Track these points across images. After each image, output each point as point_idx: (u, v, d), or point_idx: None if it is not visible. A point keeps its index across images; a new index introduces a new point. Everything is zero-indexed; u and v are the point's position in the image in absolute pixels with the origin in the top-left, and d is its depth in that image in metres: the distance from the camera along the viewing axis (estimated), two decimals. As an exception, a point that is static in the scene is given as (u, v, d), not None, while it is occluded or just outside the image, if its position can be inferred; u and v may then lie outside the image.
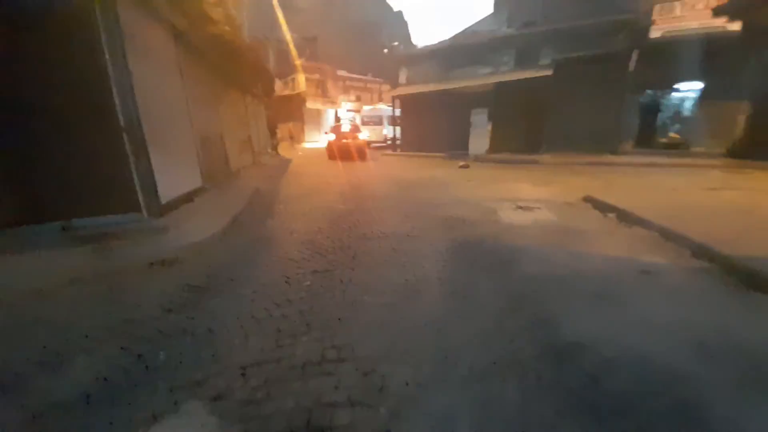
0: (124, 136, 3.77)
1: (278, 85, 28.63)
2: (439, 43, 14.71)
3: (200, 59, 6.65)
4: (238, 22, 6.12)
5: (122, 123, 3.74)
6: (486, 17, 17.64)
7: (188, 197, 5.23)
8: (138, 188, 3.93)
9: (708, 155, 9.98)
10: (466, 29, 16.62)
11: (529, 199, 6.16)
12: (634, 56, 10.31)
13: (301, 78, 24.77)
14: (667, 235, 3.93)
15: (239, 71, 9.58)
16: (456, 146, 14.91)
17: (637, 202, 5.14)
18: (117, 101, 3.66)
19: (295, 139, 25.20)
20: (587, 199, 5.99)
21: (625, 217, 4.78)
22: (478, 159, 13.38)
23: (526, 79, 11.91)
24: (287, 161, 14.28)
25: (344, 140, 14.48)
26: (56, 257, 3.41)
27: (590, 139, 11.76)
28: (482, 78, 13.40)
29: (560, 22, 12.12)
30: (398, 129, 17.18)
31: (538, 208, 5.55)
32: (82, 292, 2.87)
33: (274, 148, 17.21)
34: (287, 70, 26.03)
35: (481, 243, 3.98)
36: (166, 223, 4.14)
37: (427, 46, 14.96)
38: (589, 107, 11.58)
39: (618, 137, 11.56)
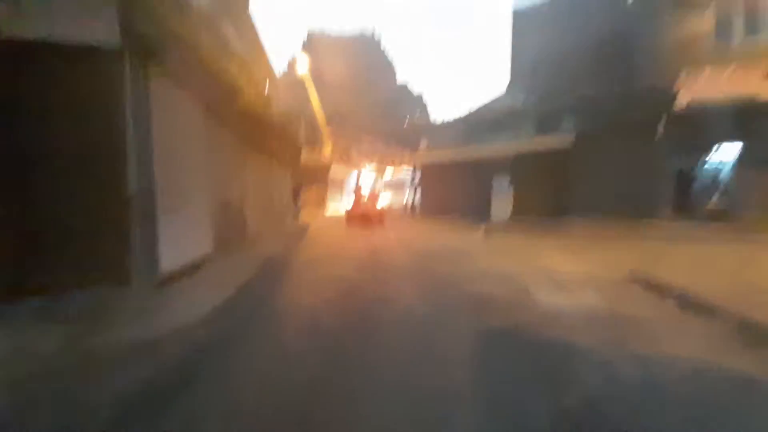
0: (132, 203, 3.64)
1: (305, 152, 30.67)
2: (458, 117, 15.47)
3: (228, 127, 6.97)
4: (266, 95, 6.51)
5: (132, 190, 3.64)
6: (501, 95, 18.59)
7: (195, 266, 4.96)
8: (136, 260, 3.67)
9: (754, 225, 9.05)
10: (483, 105, 17.50)
11: (565, 275, 5.47)
12: (663, 122, 10.14)
13: (327, 146, 26.38)
14: (753, 329, 3.14)
15: (266, 139, 10.10)
16: (477, 211, 14.59)
17: (695, 282, 4.37)
18: (131, 167, 3.61)
19: (317, 203, 25.98)
20: (635, 277, 5.24)
21: (688, 302, 3.99)
22: (501, 224, 12.89)
23: (547, 146, 11.88)
24: (307, 226, 14.32)
25: (363, 206, 14.62)
26: (12, 340, 3.04)
27: (621, 205, 11.14)
28: (502, 146, 13.55)
29: (579, 91, 12.43)
30: (418, 194, 17.25)
31: (579, 287, 4.85)
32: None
33: (297, 212, 17.55)
34: (315, 139, 28.01)
35: (518, 336, 3.31)
36: (158, 299, 3.79)
37: (445, 120, 15.72)
38: (617, 173, 11.19)
39: (653, 205, 10.89)
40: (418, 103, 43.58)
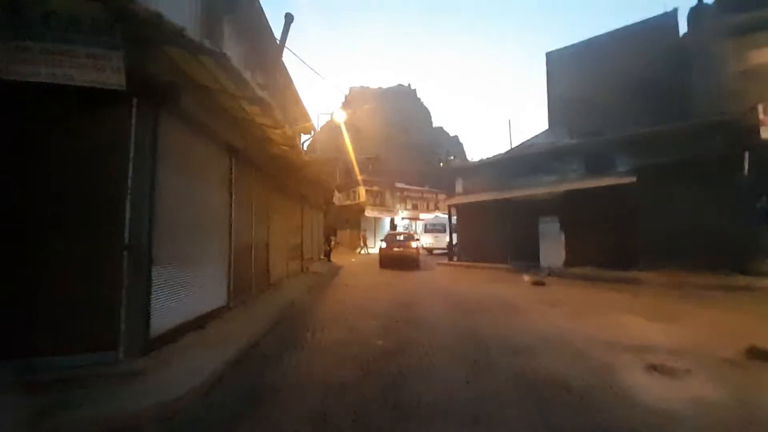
0: (125, 254, 3.19)
1: (340, 196, 31.17)
2: (496, 155, 14.71)
3: (255, 172, 6.76)
4: (296, 141, 6.31)
5: (127, 239, 3.21)
6: (540, 133, 17.78)
7: (199, 323, 4.36)
8: (123, 319, 3.13)
9: None
10: (523, 142, 16.72)
11: (657, 348, 4.14)
12: (746, 159, 8.63)
13: (361, 190, 26.55)
14: None
15: (295, 183, 9.96)
16: (522, 256, 13.15)
17: None
18: (127, 214, 3.21)
19: (352, 245, 25.60)
20: (757, 354, 3.81)
21: None
22: (553, 273, 11.34)
23: (603, 186, 10.59)
24: (338, 268, 13.70)
25: (396, 249, 13.95)
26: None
27: (703, 253, 9.31)
28: (549, 186, 12.41)
29: (630, 128, 11.29)
30: (455, 237, 16.19)
31: (685, 369, 3.53)
32: None
33: (327, 254, 17.14)
34: (350, 183, 28.45)
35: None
36: (146, 366, 3.16)
37: (483, 159, 15.00)
38: (692, 216, 9.53)
39: (747, 253, 8.98)
40: (454, 144, 43.72)
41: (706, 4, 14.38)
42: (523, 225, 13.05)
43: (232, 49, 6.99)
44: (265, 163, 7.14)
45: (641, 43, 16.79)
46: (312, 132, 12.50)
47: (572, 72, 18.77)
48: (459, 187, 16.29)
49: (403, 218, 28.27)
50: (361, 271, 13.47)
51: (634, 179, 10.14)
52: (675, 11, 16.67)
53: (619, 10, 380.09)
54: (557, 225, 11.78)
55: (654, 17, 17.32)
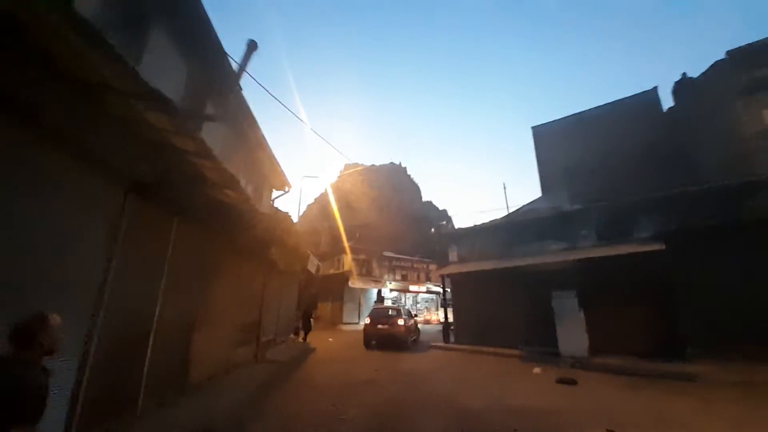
0: None
1: (320, 264, 28.83)
2: (494, 220, 13.29)
3: (181, 222, 4.86)
4: (238, 185, 4.61)
5: None
6: (537, 199, 16.82)
7: None
8: None
9: None
10: (520, 207, 15.53)
11: None
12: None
13: (346, 258, 24.47)
14: None
15: (257, 244, 7.99)
16: (535, 340, 10.76)
17: None
18: None
19: (333, 320, 22.48)
20: None
21: None
22: (578, 364, 8.91)
23: (626, 255, 8.91)
24: (307, 353, 10.93)
25: (383, 326, 12.09)
26: None
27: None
28: (560, 254, 10.69)
29: (649, 192, 10.10)
30: (450, 314, 13.77)
31: None
32: None
33: (299, 332, 14.32)
34: (336, 250, 26.43)
35: None
36: None
37: (479, 225, 13.53)
38: (747, 287, 7.73)
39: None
40: (443, 217, 43.48)
41: (692, 77, 14.82)
42: (534, 300, 10.95)
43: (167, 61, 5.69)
44: (201, 211, 5.29)
45: (629, 114, 17.05)
46: (287, 189, 11.04)
47: (562, 142, 18.77)
48: (453, 256, 14.46)
49: (391, 290, 25.68)
50: (339, 354, 10.72)
51: (661, 246, 8.52)
52: (655, 89, 17.30)
53: (593, 92, 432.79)
54: (575, 300, 9.72)
55: (635, 95, 17.93)
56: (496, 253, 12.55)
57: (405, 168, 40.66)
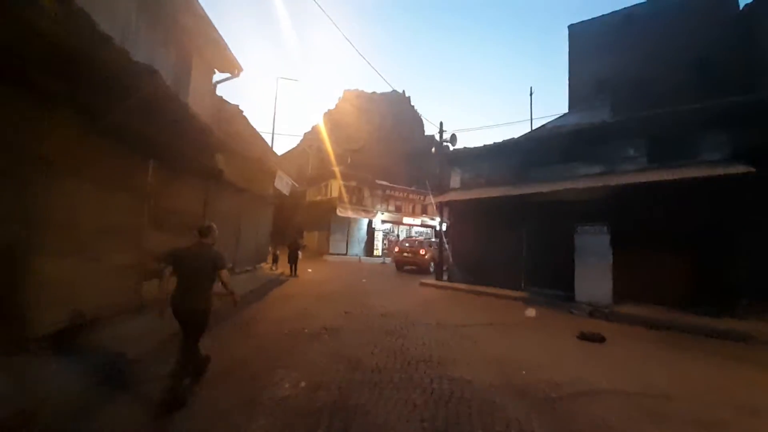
0: None
1: (311, 191, 26.61)
2: (510, 139, 10.64)
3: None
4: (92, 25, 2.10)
5: None
6: (564, 115, 13.87)
7: None
8: None
9: None
10: (544, 125, 12.74)
11: None
12: None
13: (334, 184, 22.14)
14: None
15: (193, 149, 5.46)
16: (544, 281, 9.09)
17: None
18: None
19: (320, 251, 21.08)
20: None
21: None
22: (598, 313, 7.24)
23: (690, 179, 6.57)
24: (273, 285, 9.26)
25: (406, 254, 15.30)
26: None
27: None
28: (592, 180, 8.36)
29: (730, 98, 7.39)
30: (449, 251, 11.95)
31: None
32: None
33: (272, 260, 12.71)
34: (324, 175, 23.99)
35: None
36: None
37: (489, 144, 10.91)
38: None
39: None
40: (444, 149, 40.26)
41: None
42: (550, 236, 8.96)
43: None
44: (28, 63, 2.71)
45: (693, 12, 13.27)
46: (236, 72, 8.10)
47: (602, 47, 15.11)
48: (455, 181, 12.12)
49: (383, 221, 23.93)
50: (307, 290, 9.02)
51: (748, 168, 6.14)
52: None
53: None
54: (605, 237, 7.68)
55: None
56: (508, 179, 10.20)
57: (409, 98, 36.29)
